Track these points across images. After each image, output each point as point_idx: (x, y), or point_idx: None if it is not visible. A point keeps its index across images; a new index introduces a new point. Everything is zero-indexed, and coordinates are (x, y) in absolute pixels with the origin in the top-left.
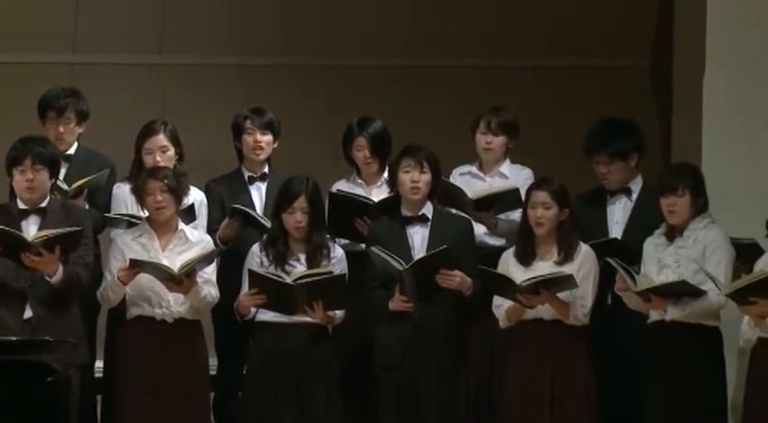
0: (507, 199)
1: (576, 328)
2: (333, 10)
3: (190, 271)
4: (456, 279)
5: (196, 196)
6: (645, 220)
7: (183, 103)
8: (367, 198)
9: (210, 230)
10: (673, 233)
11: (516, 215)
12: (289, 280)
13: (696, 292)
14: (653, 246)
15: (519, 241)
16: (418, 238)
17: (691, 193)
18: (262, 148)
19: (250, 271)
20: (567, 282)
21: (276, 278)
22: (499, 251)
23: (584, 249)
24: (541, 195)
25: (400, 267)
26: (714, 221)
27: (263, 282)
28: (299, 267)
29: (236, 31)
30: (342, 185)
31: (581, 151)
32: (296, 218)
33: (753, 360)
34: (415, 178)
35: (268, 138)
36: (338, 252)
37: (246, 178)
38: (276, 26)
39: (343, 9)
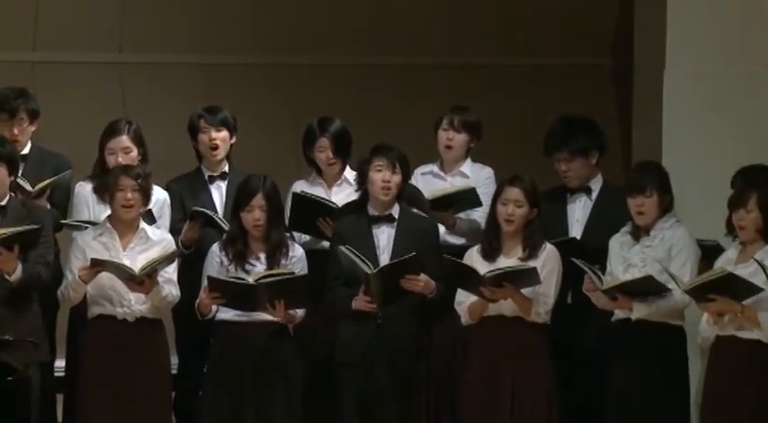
0: (464, 198)
1: (537, 325)
2: (293, 9)
3: (151, 271)
4: (420, 283)
5: (159, 195)
6: (605, 219)
7: (143, 101)
8: (331, 202)
9: (171, 230)
10: (639, 232)
11: (476, 214)
12: (250, 280)
13: (662, 290)
14: (619, 244)
15: (485, 236)
16: (384, 237)
17: (658, 193)
18: (217, 146)
19: (209, 278)
20: (531, 276)
21: (237, 281)
22: (459, 250)
23: (549, 248)
24: (515, 192)
25: (368, 270)
26: (680, 221)
27: (224, 286)
28: (259, 266)
29: (196, 30)
30: (302, 186)
31: (541, 150)
32: (254, 216)
33: (711, 358)
34: (386, 178)
35: (223, 135)
36: (298, 250)
37: (206, 178)
38: (237, 25)
39: (304, 8)
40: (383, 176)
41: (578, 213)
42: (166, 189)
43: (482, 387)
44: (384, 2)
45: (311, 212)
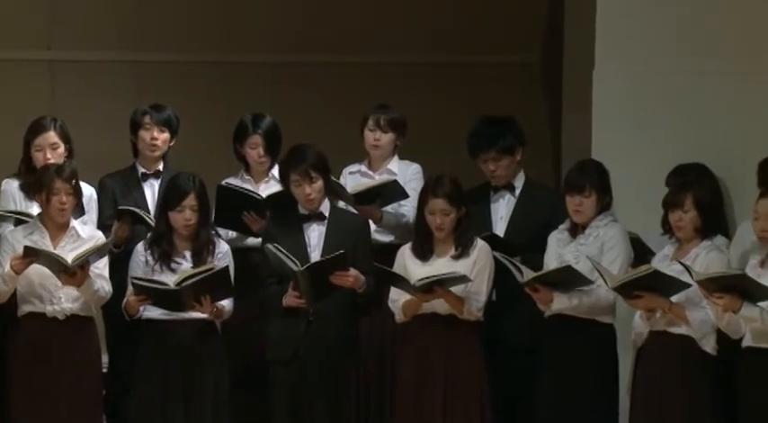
0: (388, 191)
1: (470, 323)
2: (224, 7)
3: (83, 262)
4: (350, 279)
5: (86, 192)
6: (528, 215)
7: (72, 98)
8: (255, 193)
9: (103, 226)
10: (576, 229)
11: (405, 209)
12: (172, 284)
13: (583, 281)
14: (556, 240)
15: (416, 237)
16: (315, 235)
17: (597, 193)
18: (157, 146)
19: (133, 282)
20: (460, 280)
21: (159, 286)
22: (388, 247)
23: (480, 245)
24: (439, 203)
25: (295, 268)
26: (616, 220)
27: (147, 290)
28: (185, 264)
29: (127, 27)
30: (230, 181)
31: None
32: (185, 216)
33: (643, 352)
34: (307, 191)
35: (165, 136)
36: (223, 247)
37: (140, 175)
38: (168, 22)
39: (234, 6)
40: (303, 191)
41: (502, 211)
42: (99, 184)
43: (415, 386)
44: (315, 0)
45: (237, 206)
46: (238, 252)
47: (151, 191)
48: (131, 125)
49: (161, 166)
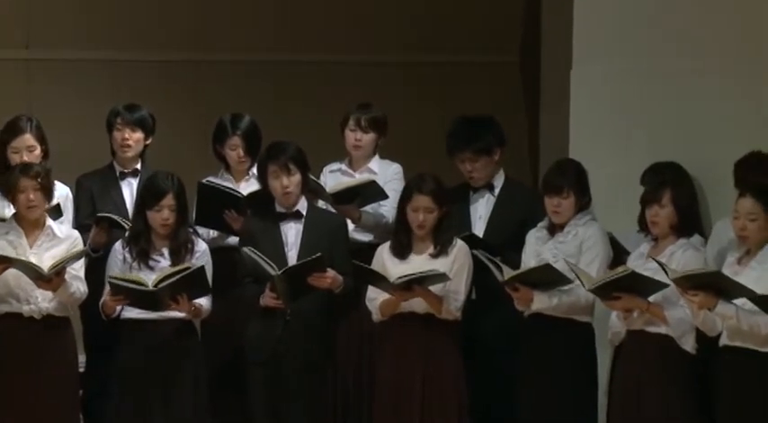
0: (367, 191)
1: (448, 322)
2: (201, 6)
3: (60, 269)
4: (327, 280)
5: (61, 191)
6: (508, 215)
7: (50, 98)
8: (236, 190)
9: (80, 226)
10: (554, 227)
11: (384, 209)
12: (150, 285)
13: (563, 279)
14: (534, 238)
15: (395, 234)
16: (292, 233)
17: (575, 194)
18: (129, 146)
19: (110, 282)
20: (440, 279)
21: (136, 287)
22: (366, 246)
23: (459, 244)
24: (423, 200)
25: (273, 272)
26: (595, 219)
27: (124, 290)
28: (163, 262)
29: (104, 27)
30: (211, 180)
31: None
32: (163, 215)
33: (621, 351)
34: (285, 184)
35: (137, 135)
36: (201, 246)
37: (118, 174)
38: (145, 21)
39: (211, 5)
40: (281, 183)
41: (481, 210)
42: (77, 184)
43: (392, 385)
44: None
45: (217, 205)
46: (219, 251)
47: (129, 190)
48: (107, 125)
49: (139, 165)
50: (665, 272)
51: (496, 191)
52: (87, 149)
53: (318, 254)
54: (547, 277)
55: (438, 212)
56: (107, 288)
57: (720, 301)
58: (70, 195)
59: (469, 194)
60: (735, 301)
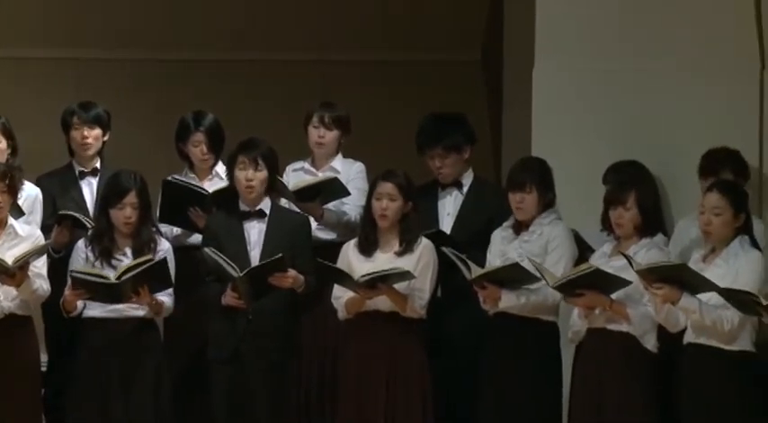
0: (329, 188)
1: (412, 320)
2: (164, 4)
3: (23, 264)
4: (289, 280)
5: (30, 191)
6: (475, 212)
7: (11, 95)
8: (201, 188)
9: (42, 226)
10: (520, 226)
11: (347, 207)
12: (112, 278)
13: (530, 278)
14: (500, 237)
15: (362, 230)
16: (255, 232)
17: (538, 189)
18: (89, 144)
19: (72, 276)
20: (405, 276)
21: (99, 280)
22: (330, 245)
23: (424, 242)
24: (387, 187)
25: (235, 274)
26: (560, 218)
27: (86, 284)
28: (126, 261)
29: (66, 24)
30: (176, 177)
31: (414, 145)
32: (125, 214)
33: (581, 349)
34: (249, 176)
35: (96, 132)
36: (165, 245)
37: (77, 173)
38: (108, 19)
39: (176, 3)
40: (246, 175)
41: (449, 207)
42: (36, 185)
43: (357, 384)
44: None
45: (182, 202)
46: (182, 250)
47: (89, 189)
48: (62, 125)
49: (98, 164)
50: (631, 265)
51: (465, 188)
52: (48, 149)
53: (279, 255)
54: (515, 276)
55: (402, 204)
56: (69, 283)
57: (684, 295)
58: (40, 196)
59: (438, 191)
60: (699, 298)
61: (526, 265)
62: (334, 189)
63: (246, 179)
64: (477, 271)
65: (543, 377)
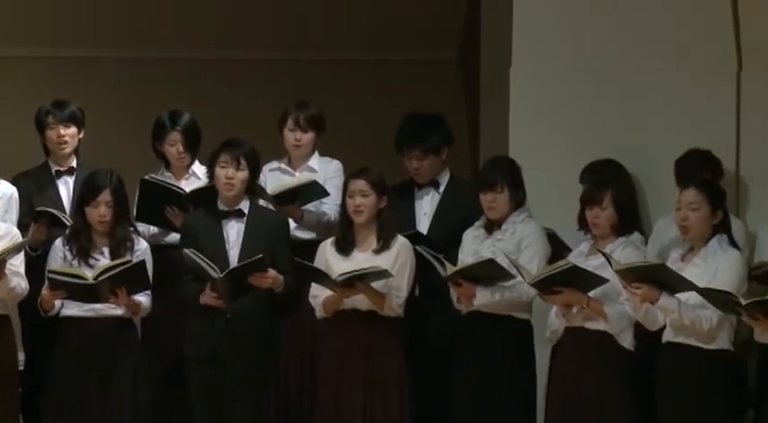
0: (307, 191)
1: (390, 319)
2: (142, 3)
3: (0, 262)
4: (269, 280)
5: (6, 190)
6: (452, 212)
7: None
8: (178, 187)
9: (19, 225)
10: (492, 225)
11: (326, 207)
12: (90, 278)
13: (505, 275)
14: (472, 237)
15: (339, 230)
16: (233, 232)
17: (509, 188)
18: (66, 142)
19: (49, 276)
20: (382, 275)
21: (76, 280)
22: (308, 244)
23: (401, 240)
24: (359, 184)
25: (215, 275)
26: (531, 216)
27: (64, 284)
28: (103, 260)
29: (42, 24)
30: (153, 176)
31: (390, 145)
32: (100, 212)
33: (559, 348)
34: (229, 175)
35: (72, 131)
36: (142, 244)
37: (54, 172)
38: (84, 18)
39: (153, 2)
40: (226, 173)
41: (426, 207)
42: (12, 184)
43: (334, 383)
44: None
45: (159, 201)
46: (159, 249)
47: (66, 188)
48: (37, 125)
49: (74, 163)
50: (610, 263)
51: (442, 188)
52: (25, 149)
53: (260, 255)
54: (489, 273)
55: (376, 199)
56: (47, 283)
57: (663, 295)
58: (15, 195)
59: (414, 190)
60: (678, 297)
61: (501, 261)
62: (314, 191)
63: (227, 177)
64: (451, 268)
65: (516, 375)
